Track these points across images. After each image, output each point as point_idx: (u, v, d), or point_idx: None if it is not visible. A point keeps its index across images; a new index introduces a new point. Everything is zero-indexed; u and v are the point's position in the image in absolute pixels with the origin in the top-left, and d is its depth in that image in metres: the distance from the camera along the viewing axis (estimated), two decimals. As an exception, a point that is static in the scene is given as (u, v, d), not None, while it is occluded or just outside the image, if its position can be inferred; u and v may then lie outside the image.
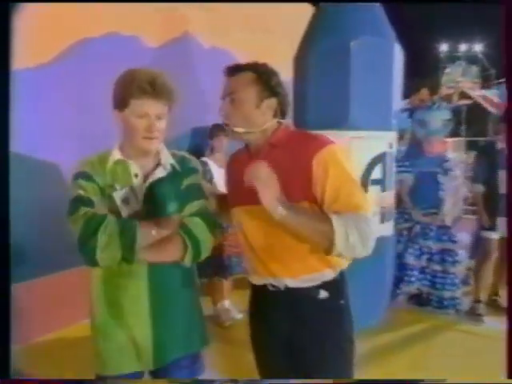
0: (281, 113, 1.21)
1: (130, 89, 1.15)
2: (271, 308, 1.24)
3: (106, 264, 1.14)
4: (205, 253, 1.22)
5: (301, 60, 2.72)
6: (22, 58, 2.64)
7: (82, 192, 1.18)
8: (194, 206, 1.25)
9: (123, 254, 1.12)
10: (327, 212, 1.09)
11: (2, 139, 1.23)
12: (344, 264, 1.22)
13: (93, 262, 1.13)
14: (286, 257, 1.17)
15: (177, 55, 3.64)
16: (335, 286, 1.21)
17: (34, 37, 2.65)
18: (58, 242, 2.27)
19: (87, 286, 1.27)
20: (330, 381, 1.16)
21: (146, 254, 1.15)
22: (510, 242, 1.63)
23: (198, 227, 1.20)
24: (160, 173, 1.23)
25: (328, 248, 1.07)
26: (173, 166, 1.26)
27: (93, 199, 1.18)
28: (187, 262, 1.20)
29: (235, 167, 1.28)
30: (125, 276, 1.20)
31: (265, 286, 1.23)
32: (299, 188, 1.11)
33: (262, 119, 1.18)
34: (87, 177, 1.20)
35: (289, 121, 1.27)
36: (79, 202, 1.16)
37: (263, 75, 1.17)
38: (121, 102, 1.17)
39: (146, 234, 1.14)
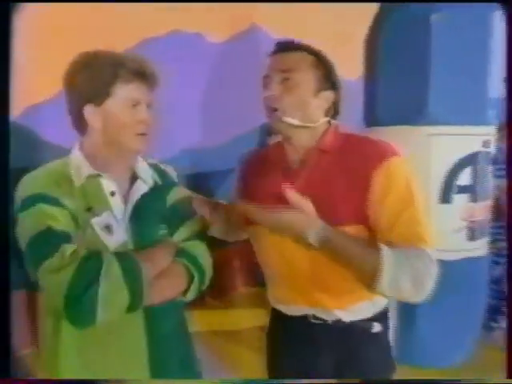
0: (334, 111, 1.03)
1: (115, 73, 0.90)
2: (311, 343, 1.04)
3: (106, 320, 0.83)
4: (207, 282, 1.01)
5: (371, 43, 2.31)
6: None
7: (51, 223, 0.84)
8: (188, 226, 1.02)
9: (130, 301, 0.84)
10: (379, 241, 0.90)
11: (3, 138, 1.05)
12: None
13: (90, 321, 0.82)
14: (334, 284, 0.98)
15: (244, 49, 3.47)
16: (385, 316, 1.07)
17: (95, 39, 2.68)
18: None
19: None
20: (331, 381, 1.06)
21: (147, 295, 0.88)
22: (510, 243, 1.63)
23: (202, 253, 1.00)
24: (141, 188, 0.98)
25: (370, 284, 0.89)
26: (154, 180, 1.02)
27: (68, 232, 0.85)
28: (190, 295, 0.98)
29: (266, 174, 1.04)
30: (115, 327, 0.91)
31: (304, 317, 1.03)
32: (352, 207, 0.93)
33: (316, 113, 0.98)
34: (52, 201, 0.86)
35: (338, 122, 1.05)
36: (54, 238, 0.83)
37: (323, 61, 0.99)
38: (100, 92, 0.91)
39: (149, 269, 0.88)
